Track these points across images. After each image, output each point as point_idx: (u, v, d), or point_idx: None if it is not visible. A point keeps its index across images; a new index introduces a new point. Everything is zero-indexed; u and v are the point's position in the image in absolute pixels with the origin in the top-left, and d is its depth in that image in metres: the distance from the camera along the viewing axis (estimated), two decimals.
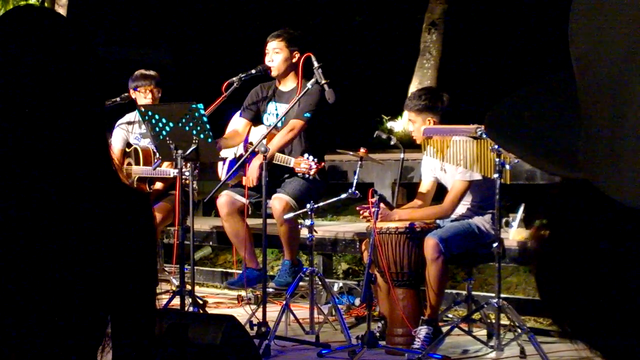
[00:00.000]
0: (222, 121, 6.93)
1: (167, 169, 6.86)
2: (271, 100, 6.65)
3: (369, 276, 5.27)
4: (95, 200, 1.65)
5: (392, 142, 6.20)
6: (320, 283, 6.14)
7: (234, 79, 6.35)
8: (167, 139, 5.94)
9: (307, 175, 6.05)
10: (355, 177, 5.80)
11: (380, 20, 15.53)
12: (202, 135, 5.87)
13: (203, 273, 8.23)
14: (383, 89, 14.26)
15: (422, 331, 5.37)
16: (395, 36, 15.31)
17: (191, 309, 5.81)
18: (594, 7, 0.64)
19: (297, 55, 6.49)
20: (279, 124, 6.41)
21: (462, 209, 5.74)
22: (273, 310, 5.91)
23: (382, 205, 5.49)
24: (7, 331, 1.61)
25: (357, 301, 6.68)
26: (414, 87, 12.08)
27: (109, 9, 16.22)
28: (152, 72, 7.27)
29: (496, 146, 5.23)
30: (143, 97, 7.11)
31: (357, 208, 5.75)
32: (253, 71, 6.45)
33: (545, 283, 0.70)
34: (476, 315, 5.69)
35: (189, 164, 6.03)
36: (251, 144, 6.53)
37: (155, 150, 6.60)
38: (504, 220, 5.77)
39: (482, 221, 5.69)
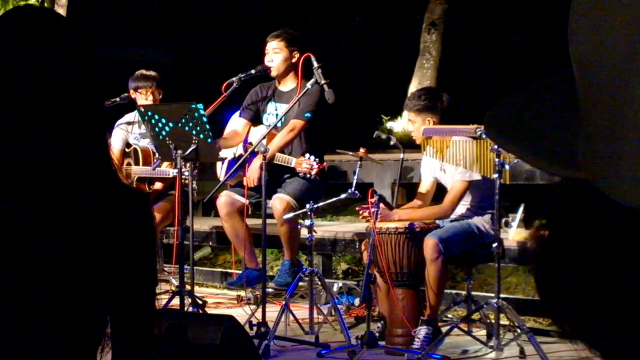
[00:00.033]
0: (222, 121, 6.93)
1: (167, 169, 6.85)
2: (271, 100, 6.65)
3: (368, 276, 5.27)
4: (94, 200, 1.65)
5: (391, 142, 6.20)
6: (319, 283, 6.14)
7: (234, 79, 6.35)
8: (167, 139, 5.94)
9: (308, 175, 6.05)
10: (355, 177, 5.80)
11: (380, 21, 15.53)
12: (201, 136, 5.87)
13: (202, 273, 8.23)
14: (383, 89, 14.26)
15: (422, 331, 5.37)
16: (395, 36, 15.31)
17: (191, 309, 5.81)
18: (594, 6, 0.64)
19: (297, 55, 6.48)
20: (279, 124, 6.41)
21: (461, 209, 5.74)
22: (272, 311, 5.91)
23: (381, 205, 5.49)
24: (7, 331, 1.61)
25: (357, 301, 6.68)
26: (413, 87, 12.08)
27: (109, 9, 16.22)
28: (152, 73, 7.25)
29: (496, 146, 5.23)
30: (144, 98, 7.11)
31: (357, 208, 5.75)
32: (253, 71, 6.45)
33: (545, 283, 0.70)
34: (476, 316, 5.69)
35: (188, 164, 6.03)
36: (251, 144, 6.53)
37: (154, 151, 6.60)
38: (503, 220, 5.77)
39: (482, 221, 5.69)
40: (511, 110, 0.73)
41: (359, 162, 5.83)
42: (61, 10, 9.73)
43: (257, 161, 6.18)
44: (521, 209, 5.91)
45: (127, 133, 7.35)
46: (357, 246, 6.62)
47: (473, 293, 5.78)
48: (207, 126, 5.87)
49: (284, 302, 5.77)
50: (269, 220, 5.96)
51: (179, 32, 16.90)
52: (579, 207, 0.68)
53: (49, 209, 1.62)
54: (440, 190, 5.92)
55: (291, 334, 5.87)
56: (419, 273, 5.52)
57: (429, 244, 5.44)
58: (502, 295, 5.43)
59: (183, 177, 6.05)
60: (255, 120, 6.70)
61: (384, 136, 6.34)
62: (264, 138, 6.10)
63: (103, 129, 1.70)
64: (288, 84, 6.60)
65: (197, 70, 15.86)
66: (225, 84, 6.36)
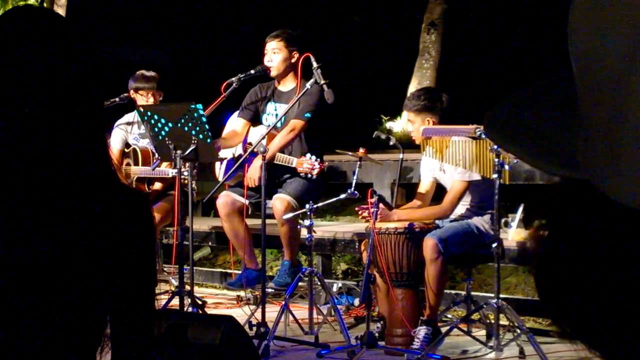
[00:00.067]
0: (222, 121, 6.93)
1: (166, 169, 6.85)
2: (270, 100, 6.65)
3: (368, 276, 5.27)
4: (94, 200, 1.64)
5: (391, 143, 6.20)
6: (319, 283, 6.14)
7: (233, 79, 6.35)
8: (166, 139, 5.94)
9: (309, 176, 6.05)
10: (355, 177, 5.80)
11: (380, 21, 15.52)
12: (201, 136, 5.87)
13: (202, 273, 8.23)
14: (382, 89, 14.25)
15: (421, 331, 5.37)
16: (394, 36, 15.30)
17: (190, 309, 5.81)
18: (594, 6, 0.64)
19: (296, 56, 6.48)
20: (279, 124, 6.41)
21: (461, 209, 5.74)
22: (272, 311, 5.91)
23: (381, 205, 5.49)
24: (7, 331, 1.61)
25: (356, 301, 6.68)
26: (413, 87, 12.07)
27: (108, 9, 16.21)
28: (153, 74, 7.23)
29: (495, 146, 5.23)
30: (145, 100, 7.09)
31: (356, 208, 5.75)
32: (252, 71, 6.45)
33: (545, 283, 0.70)
34: (475, 316, 5.69)
35: (187, 164, 6.02)
36: (250, 144, 6.53)
37: (154, 151, 6.59)
38: (503, 220, 5.77)
39: (481, 221, 5.69)
40: (510, 111, 0.73)
41: (359, 162, 5.83)
42: (60, 10, 9.72)
43: (258, 161, 6.17)
44: (521, 209, 5.92)
45: (126, 133, 7.34)
46: (356, 246, 6.62)
47: (473, 293, 5.78)
48: (207, 126, 5.87)
49: (283, 303, 5.77)
50: (268, 221, 5.96)
51: (179, 32, 16.90)
52: (579, 207, 0.68)
53: (48, 209, 1.62)
54: (439, 191, 5.92)
55: (291, 334, 5.87)
56: (418, 273, 5.52)
57: (429, 244, 5.43)
58: (501, 296, 5.44)
59: (182, 177, 6.05)
60: (255, 120, 6.69)
61: (383, 136, 6.34)
62: (263, 138, 6.10)
63: (103, 129, 1.70)
64: (288, 84, 6.59)
65: (196, 70, 15.87)
66: (224, 84, 6.36)
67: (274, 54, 6.51)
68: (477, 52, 14.82)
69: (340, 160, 7.86)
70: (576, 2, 0.65)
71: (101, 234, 1.63)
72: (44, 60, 1.63)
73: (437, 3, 13.07)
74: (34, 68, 1.62)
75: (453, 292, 6.63)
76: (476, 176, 5.56)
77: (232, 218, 6.49)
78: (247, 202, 6.43)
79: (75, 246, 1.62)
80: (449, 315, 6.20)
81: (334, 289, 6.85)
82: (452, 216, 5.73)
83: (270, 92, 6.66)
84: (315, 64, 6.14)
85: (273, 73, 6.53)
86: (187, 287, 5.89)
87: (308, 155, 6.09)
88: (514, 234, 5.83)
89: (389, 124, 12.86)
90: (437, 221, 5.70)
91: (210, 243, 7.98)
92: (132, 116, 7.31)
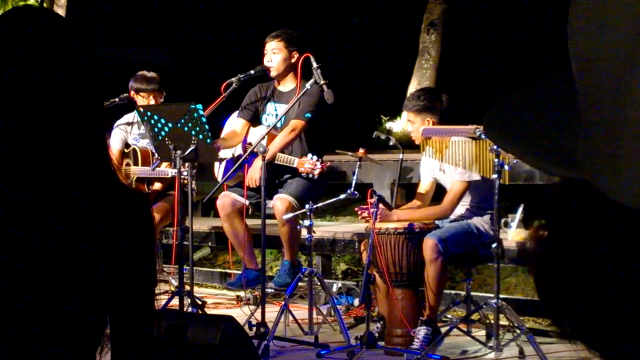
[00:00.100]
0: (221, 122, 6.92)
1: (166, 169, 6.85)
2: (270, 100, 6.65)
3: (367, 277, 5.27)
4: (94, 200, 1.64)
5: (391, 143, 6.20)
6: (319, 283, 6.14)
7: (233, 79, 6.35)
8: (166, 139, 5.94)
9: (310, 175, 6.05)
10: (354, 177, 5.80)
11: (379, 21, 15.53)
12: (200, 136, 5.87)
13: (202, 273, 8.23)
14: (382, 89, 14.26)
15: (421, 332, 5.37)
16: (394, 36, 15.30)
17: (190, 309, 5.81)
18: (594, 5, 0.63)
19: (296, 56, 6.48)
20: (279, 124, 6.41)
21: (461, 209, 5.74)
22: (272, 311, 5.90)
23: (381, 205, 5.49)
24: (6, 331, 1.60)
25: (356, 302, 6.68)
26: (412, 87, 12.07)
27: (108, 10, 16.21)
28: (154, 75, 7.20)
29: (495, 147, 5.23)
30: (146, 102, 7.08)
31: (356, 209, 5.75)
32: (252, 72, 6.45)
33: (544, 283, 0.70)
34: (475, 316, 5.69)
35: (186, 164, 6.02)
36: (250, 144, 6.53)
37: (153, 151, 6.59)
38: (502, 220, 5.77)
39: (481, 222, 5.69)
40: (510, 111, 0.73)
41: (358, 163, 5.83)
42: (60, 11, 9.72)
43: (259, 162, 6.17)
44: (520, 209, 5.91)
45: (126, 133, 7.34)
46: (356, 246, 6.62)
47: (472, 293, 5.78)
48: (207, 126, 5.87)
49: (283, 303, 5.77)
50: (268, 221, 5.96)
51: (178, 32, 16.89)
52: (579, 208, 0.68)
53: (48, 209, 1.62)
54: (439, 191, 5.92)
55: (290, 334, 5.87)
56: (418, 273, 5.52)
57: (428, 244, 5.43)
58: (501, 296, 5.44)
59: (182, 177, 6.05)
60: (254, 120, 6.68)
61: (383, 136, 6.34)
62: (263, 138, 6.10)
63: (102, 129, 1.70)
64: (287, 84, 6.59)
65: (196, 70, 15.86)
66: (224, 85, 6.36)
67: (274, 54, 6.51)
68: (477, 52, 14.82)
69: (340, 160, 7.85)
70: (576, 2, 0.65)
71: (101, 234, 1.63)
72: (43, 61, 1.63)
73: (436, 3, 13.07)
74: (34, 68, 1.62)
75: (453, 292, 6.63)
76: (476, 176, 5.56)
77: (232, 218, 6.48)
78: (247, 202, 6.43)
79: (75, 246, 1.62)
80: (449, 316, 6.20)
81: (334, 289, 6.85)
82: (452, 216, 5.73)
83: (270, 92, 6.66)
84: (315, 64, 6.14)
85: (273, 73, 6.53)
86: (187, 287, 5.89)
87: (309, 155, 6.09)
88: (513, 234, 5.83)
89: (388, 124, 12.86)
90: (436, 221, 5.70)
91: (210, 243, 7.98)
92: (132, 116, 7.31)
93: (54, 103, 1.62)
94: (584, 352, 0.68)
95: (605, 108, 0.63)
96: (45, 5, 9.74)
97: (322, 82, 6.09)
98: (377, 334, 5.52)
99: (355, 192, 5.71)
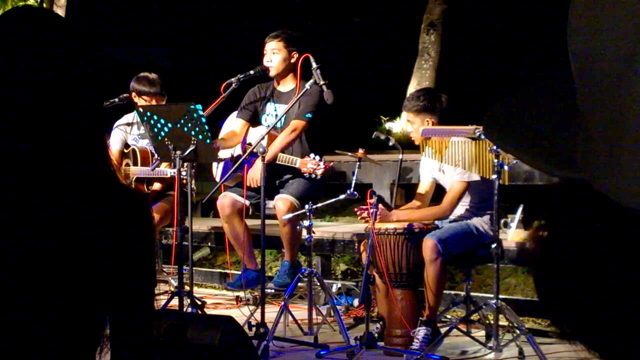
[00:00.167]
0: (221, 122, 6.92)
1: (165, 169, 6.85)
2: (269, 101, 6.65)
3: (367, 277, 5.27)
4: (93, 201, 1.64)
5: (390, 143, 6.20)
6: (318, 284, 6.14)
7: (233, 79, 6.35)
8: (166, 139, 5.94)
9: (313, 176, 6.04)
10: (354, 178, 5.79)
11: (379, 21, 15.52)
12: (200, 136, 5.87)
13: (201, 274, 8.23)
14: (381, 89, 14.25)
15: (421, 332, 5.37)
16: (393, 37, 15.30)
17: (190, 309, 5.80)
18: (594, 4, 0.63)
19: (296, 56, 6.48)
20: (278, 125, 6.41)
21: (460, 209, 5.74)
22: (271, 311, 5.90)
23: (380, 206, 5.48)
24: (6, 331, 1.60)
25: (356, 302, 6.68)
26: (412, 87, 12.07)
27: (108, 10, 16.21)
28: (155, 77, 7.17)
29: (495, 147, 5.23)
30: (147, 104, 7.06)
31: (356, 209, 5.75)
32: (252, 72, 6.45)
33: (544, 284, 0.70)
34: (475, 316, 5.69)
35: (186, 164, 6.02)
36: (250, 144, 6.52)
37: (153, 152, 6.59)
38: (502, 221, 5.77)
39: (481, 222, 5.69)
40: (510, 111, 0.73)
41: (358, 163, 5.83)
42: (60, 11, 9.72)
43: (260, 162, 6.17)
44: (520, 209, 5.91)
45: (126, 134, 7.33)
46: (356, 247, 6.62)
47: (472, 294, 5.78)
48: (206, 127, 5.87)
49: (282, 303, 5.77)
50: (268, 221, 5.96)
51: (178, 32, 16.89)
52: (578, 208, 0.68)
53: (47, 210, 1.62)
54: (439, 191, 5.92)
55: (290, 334, 5.87)
56: (418, 274, 5.52)
57: (428, 244, 5.43)
58: (501, 296, 5.44)
59: (182, 177, 6.04)
60: (254, 120, 6.68)
61: (382, 137, 6.34)
62: (262, 139, 6.10)
63: (102, 129, 1.70)
64: (287, 85, 6.59)
65: (196, 70, 15.86)
66: (224, 85, 6.36)
67: (274, 54, 6.51)
68: (477, 53, 14.82)
69: (339, 160, 7.85)
70: (576, 2, 0.65)
71: (101, 234, 1.63)
72: (43, 61, 1.63)
73: (436, 3, 13.07)
74: (34, 68, 1.62)
75: (452, 292, 6.63)
76: (475, 177, 5.56)
77: (232, 219, 6.48)
78: (247, 202, 6.43)
79: (74, 246, 1.62)
80: (449, 316, 6.20)
81: (334, 289, 6.85)
82: (452, 217, 5.73)
83: (269, 92, 6.66)
84: (314, 65, 6.14)
85: (272, 73, 6.53)
86: (187, 288, 5.89)
87: (312, 155, 6.09)
88: (513, 235, 5.83)
89: (388, 125, 12.86)
90: (436, 222, 5.70)
91: (209, 243, 7.98)
92: (131, 117, 7.30)
93: (53, 103, 1.62)
94: (584, 352, 0.68)
95: (605, 108, 0.63)
96: (45, 5, 9.74)
97: (321, 82, 6.09)
98: (376, 335, 5.51)
99: (355, 193, 5.71)
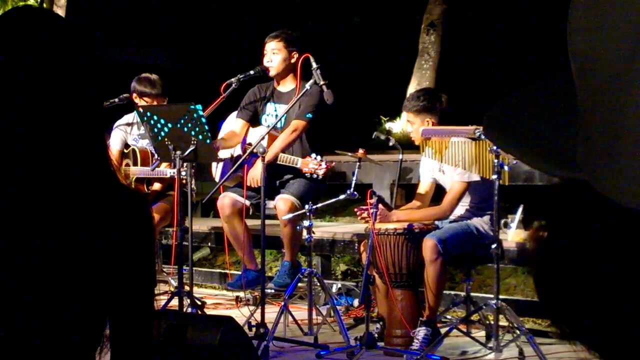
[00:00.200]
0: (221, 122, 6.92)
1: (165, 169, 6.85)
2: (269, 101, 6.65)
3: (367, 277, 5.27)
4: (93, 201, 1.64)
5: (390, 143, 6.20)
6: (318, 284, 6.14)
7: (233, 80, 6.35)
8: (166, 139, 5.94)
9: (315, 176, 6.04)
10: (354, 178, 5.79)
11: (379, 21, 15.52)
12: (200, 136, 5.87)
13: (201, 274, 8.23)
14: (381, 89, 14.25)
15: (421, 332, 5.37)
16: (393, 37, 15.30)
17: (189, 309, 5.80)
18: (594, 4, 0.63)
19: (296, 56, 6.48)
20: (278, 125, 6.41)
21: (460, 210, 5.74)
22: (271, 311, 5.90)
23: (380, 206, 5.48)
24: (6, 332, 1.60)
25: (356, 302, 6.68)
26: (412, 88, 12.07)
27: (108, 10, 16.20)
28: (156, 77, 7.16)
29: (495, 147, 5.23)
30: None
31: (356, 209, 5.75)
32: (251, 72, 6.45)
33: (544, 284, 0.70)
34: (475, 317, 5.69)
35: (185, 164, 6.02)
36: (250, 144, 6.52)
37: (153, 152, 6.59)
38: (502, 221, 5.77)
39: (481, 222, 5.69)
40: (510, 111, 0.73)
41: (358, 163, 5.83)
42: (60, 11, 9.72)
43: (261, 162, 6.17)
44: (520, 209, 5.91)
45: (126, 134, 7.33)
46: (356, 247, 6.62)
47: (472, 294, 5.78)
48: (206, 127, 5.87)
49: (282, 303, 5.77)
50: (268, 221, 5.96)
51: (179, 33, 16.89)
52: (578, 208, 0.68)
53: (47, 210, 1.62)
54: (439, 191, 5.92)
55: (290, 334, 5.87)
56: (418, 274, 5.52)
57: (428, 244, 5.43)
58: (501, 296, 5.44)
59: (182, 177, 6.04)
60: (254, 120, 6.68)
61: (382, 137, 6.34)
62: (262, 139, 6.10)
63: (102, 129, 1.70)
64: (287, 85, 6.59)
65: (196, 71, 15.86)
66: (224, 85, 6.36)
67: (274, 54, 6.51)
68: (477, 53, 14.82)
69: (339, 160, 7.85)
70: (576, 2, 0.65)
71: (100, 234, 1.63)
72: (43, 61, 1.63)
73: (436, 4, 13.07)
74: (34, 68, 1.62)
75: (452, 292, 6.63)
76: (475, 177, 5.56)
77: (232, 219, 6.48)
78: (247, 202, 6.43)
79: (74, 246, 1.62)
80: (449, 316, 6.20)
81: (334, 289, 6.85)
82: (452, 217, 5.73)
83: (269, 92, 6.66)
84: (314, 65, 6.14)
85: (272, 73, 6.53)
86: (187, 288, 5.89)
87: (313, 155, 6.09)
88: (513, 235, 5.83)
89: (388, 125, 12.86)
90: (436, 222, 5.70)
91: (209, 244, 7.98)
92: (131, 117, 7.30)
93: (53, 103, 1.62)
94: (584, 352, 0.68)
95: (605, 108, 0.63)
96: (45, 5, 9.74)
97: (321, 82, 6.09)
98: (376, 335, 5.51)
99: (355, 193, 5.71)
